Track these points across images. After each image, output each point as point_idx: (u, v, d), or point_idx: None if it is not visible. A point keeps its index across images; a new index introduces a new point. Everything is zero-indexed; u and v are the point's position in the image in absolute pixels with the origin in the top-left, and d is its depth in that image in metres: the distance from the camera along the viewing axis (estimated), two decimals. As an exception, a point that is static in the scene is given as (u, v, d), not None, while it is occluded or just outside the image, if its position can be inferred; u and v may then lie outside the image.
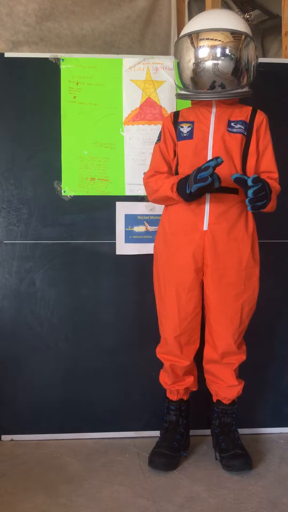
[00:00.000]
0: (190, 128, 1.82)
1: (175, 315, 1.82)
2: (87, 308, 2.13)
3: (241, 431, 1.95)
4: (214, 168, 1.60)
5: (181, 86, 1.80)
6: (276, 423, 2.16)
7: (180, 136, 1.84)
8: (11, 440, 2.08)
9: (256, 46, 1.78)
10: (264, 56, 4.01)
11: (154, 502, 1.62)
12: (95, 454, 1.95)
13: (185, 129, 1.83)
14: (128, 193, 2.12)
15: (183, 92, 1.81)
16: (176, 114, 1.90)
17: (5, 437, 2.09)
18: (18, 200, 2.12)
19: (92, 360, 2.12)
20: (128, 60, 2.15)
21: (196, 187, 1.63)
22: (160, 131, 1.92)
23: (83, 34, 3.04)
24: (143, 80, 2.14)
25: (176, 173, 1.84)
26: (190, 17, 3.38)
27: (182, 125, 1.84)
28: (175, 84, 1.85)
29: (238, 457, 1.78)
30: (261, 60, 2.34)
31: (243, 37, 1.70)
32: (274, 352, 2.18)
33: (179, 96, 1.85)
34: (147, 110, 2.13)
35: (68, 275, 2.12)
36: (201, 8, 3.42)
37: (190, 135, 1.81)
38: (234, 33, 1.69)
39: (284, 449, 1.99)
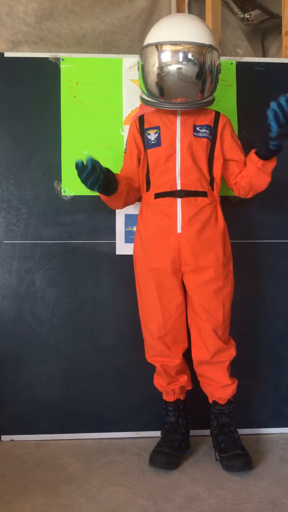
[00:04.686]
0: (157, 135, 1.86)
1: (159, 316, 1.85)
2: (87, 308, 2.13)
3: (241, 431, 1.95)
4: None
5: (146, 92, 1.83)
6: (276, 423, 2.15)
7: (148, 144, 1.88)
8: (11, 440, 2.08)
9: (219, 55, 1.82)
10: (264, 56, 4.01)
11: (154, 502, 1.61)
12: (95, 455, 1.95)
13: (152, 136, 1.87)
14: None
15: (149, 99, 1.83)
16: (141, 120, 1.92)
17: (5, 437, 2.08)
18: (18, 200, 2.12)
19: (92, 360, 2.12)
20: (128, 60, 2.15)
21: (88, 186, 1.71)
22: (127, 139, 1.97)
23: (83, 34, 3.05)
24: (143, 80, 2.14)
25: (148, 181, 1.89)
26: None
27: (148, 132, 1.88)
28: (140, 89, 1.87)
29: (239, 457, 1.78)
30: (261, 60, 2.36)
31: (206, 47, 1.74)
32: (274, 352, 2.18)
33: (144, 102, 1.87)
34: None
35: (68, 275, 2.12)
36: (201, 8, 3.42)
37: (158, 142, 1.86)
38: (199, 45, 1.73)
39: (284, 450, 1.99)
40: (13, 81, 2.12)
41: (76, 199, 2.12)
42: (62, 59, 2.13)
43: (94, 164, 1.65)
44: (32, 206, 2.12)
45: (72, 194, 2.12)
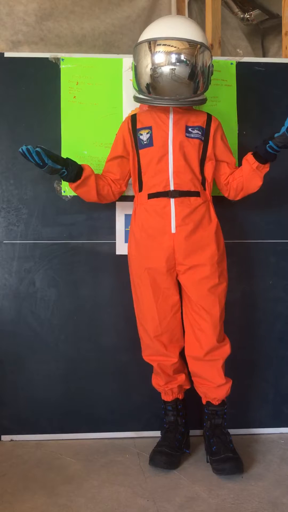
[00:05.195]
0: (149, 135, 1.87)
1: (154, 315, 1.86)
2: (87, 308, 2.13)
3: (241, 431, 1.95)
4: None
5: (137, 89, 1.83)
6: (276, 423, 2.16)
7: (141, 145, 1.88)
8: (11, 440, 2.08)
9: (211, 56, 1.82)
10: (264, 56, 4.01)
11: (154, 502, 1.62)
12: (95, 454, 1.95)
13: (144, 136, 1.87)
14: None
15: (141, 96, 1.83)
16: (133, 120, 1.92)
17: (5, 437, 2.08)
18: (18, 200, 2.12)
19: (92, 360, 2.12)
20: (128, 60, 2.15)
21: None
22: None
23: (83, 34, 3.05)
24: (143, 80, 2.14)
25: (140, 181, 1.89)
26: (190, 17, 3.38)
27: (141, 132, 1.88)
28: (133, 87, 1.87)
29: (229, 461, 1.76)
30: (261, 60, 2.35)
31: (198, 45, 1.74)
32: (274, 352, 2.18)
33: (137, 100, 1.87)
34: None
35: (68, 275, 2.12)
36: (201, 8, 3.42)
37: (150, 142, 1.86)
38: (191, 42, 1.73)
39: (284, 449, 1.99)
40: (13, 81, 2.12)
41: (76, 199, 2.12)
42: (62, 59, 2.13)
43: (29, 149, 1.73)
44: (32, 206, 2.12)
45: (72, 194, 2.11)
